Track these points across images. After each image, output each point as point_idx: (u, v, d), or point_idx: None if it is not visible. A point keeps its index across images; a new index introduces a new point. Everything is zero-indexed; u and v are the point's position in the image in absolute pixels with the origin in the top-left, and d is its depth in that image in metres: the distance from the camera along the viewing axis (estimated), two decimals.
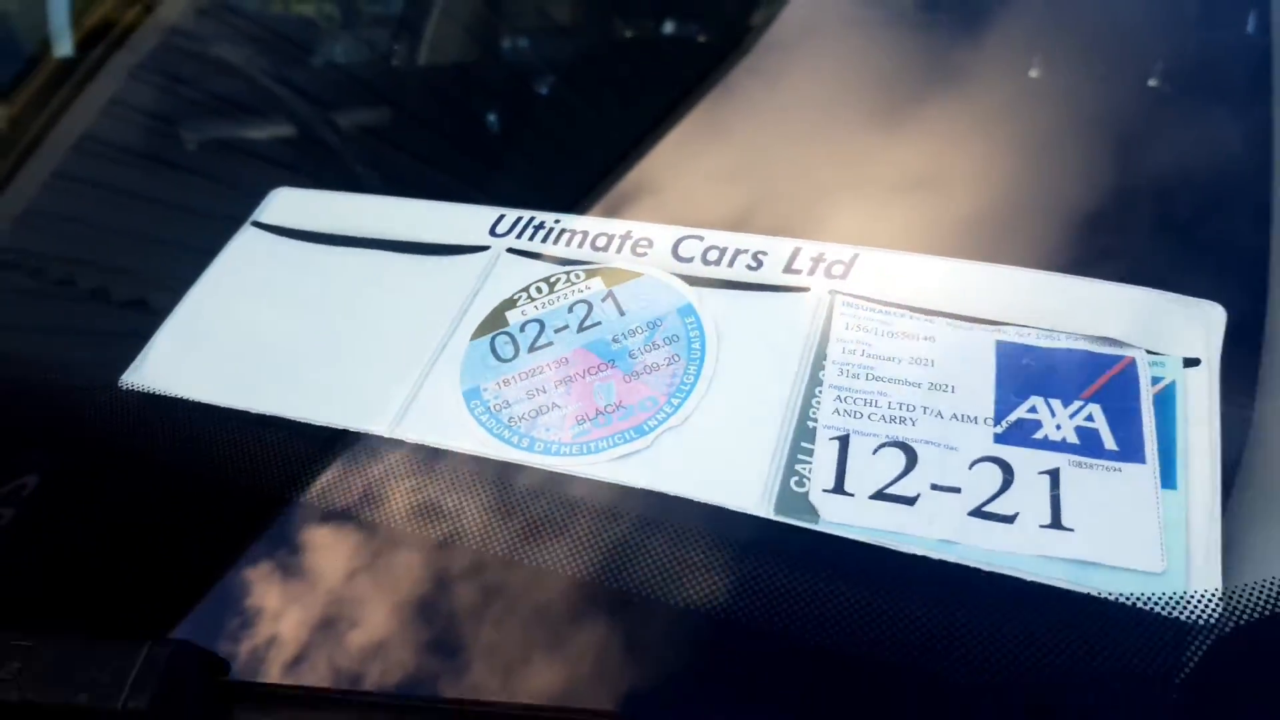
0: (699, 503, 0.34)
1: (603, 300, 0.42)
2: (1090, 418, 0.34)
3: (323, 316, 0.44)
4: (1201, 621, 0.30)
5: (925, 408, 0.35)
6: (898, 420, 0.35)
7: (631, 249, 0.44)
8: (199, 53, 0.80)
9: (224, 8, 0.86)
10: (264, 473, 0.38)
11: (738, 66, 0.61)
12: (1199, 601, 0.30)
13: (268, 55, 0.83)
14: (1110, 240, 0.42)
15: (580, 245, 0.44)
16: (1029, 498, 0.32)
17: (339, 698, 0.30)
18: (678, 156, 0.53)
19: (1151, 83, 0.54)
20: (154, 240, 0.56)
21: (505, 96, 0.88)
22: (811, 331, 0.39)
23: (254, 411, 0.40)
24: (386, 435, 0.38)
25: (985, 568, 0.31)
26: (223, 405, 0.40)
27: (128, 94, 0.72)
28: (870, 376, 0.36)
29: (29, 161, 0.65)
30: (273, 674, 0.32)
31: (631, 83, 0.72)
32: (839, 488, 0.34)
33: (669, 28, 0.90)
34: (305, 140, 0.68)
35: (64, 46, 0.80)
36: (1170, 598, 0.30)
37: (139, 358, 0.43)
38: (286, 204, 0.50)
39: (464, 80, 1.00)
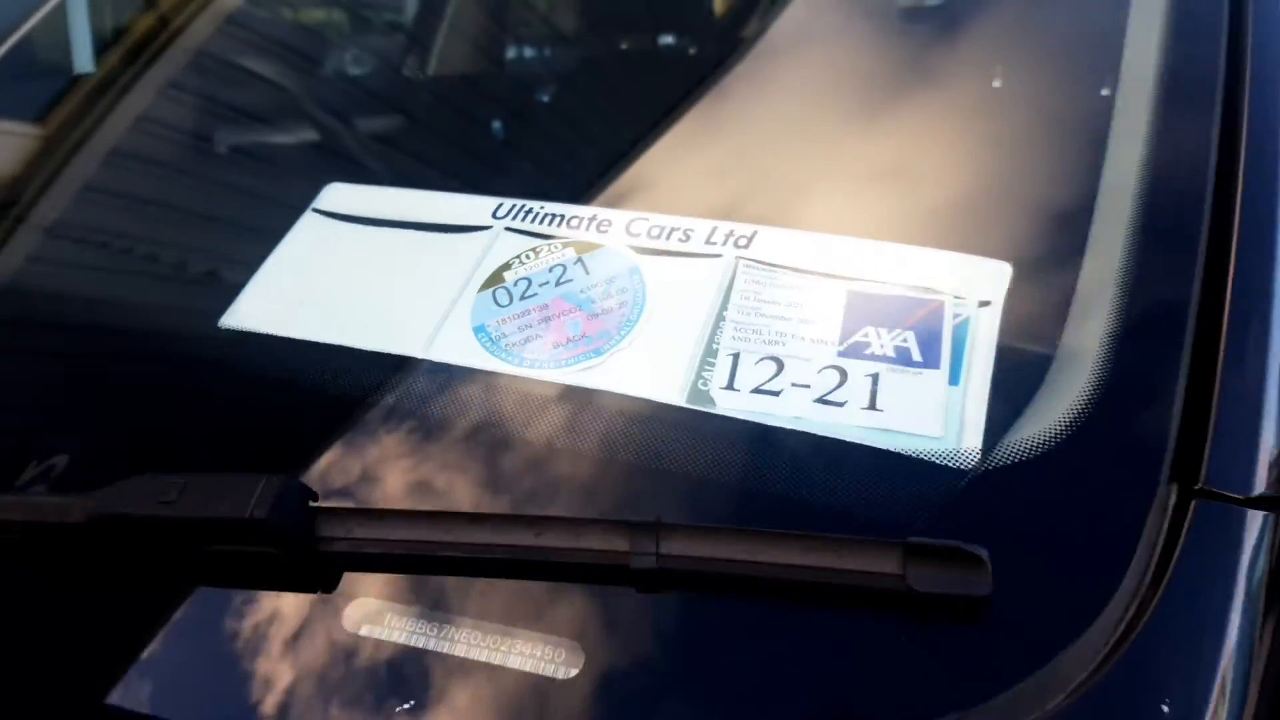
0: (636, 397, 0.49)
1: (574, 264, 0.57)
2: (905, 340, 0.49)
3: (370, 277, 0.59)
4: (965, 468, 0.44)
5: (792, 335, 0.50)
6: (773, 343, 0.50)
7: (596, 227, 0.59)
8: (247, 72, 0.96)
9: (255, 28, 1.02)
10: (335, 381, 0.54)
11: (691, 85, 0.77)
12: (963, 456, 0.45)
13: (310, 72, 0.99)
14: (933, 219, 0.57)
15: (559, 225, 0.60)
16: (856, 391, 0.47)
17: (393, 514, 0.45)
18: (635, 158, 0.68)
19: (995, 84, 0.69)
20: (236, 222, 0.71)
21: (504, 105, 1.04)
22: (721, 285, 0.54)
23: (323, 341, 0.55)
24: (421, 356, 0.53)
25: (822, 433, 0.46)
26: (298, 338, 0.56)
27: (180, 108, 0.88)
28: (758, 314, 0.52)
29: (116, 166, 0.81)
30: (346, 500, 0.48)
31: (603, 96, 0.88)
32: (730, 386, 0.49)
33: (629, 48, 1.06)
34: (348, 143, 0.84)
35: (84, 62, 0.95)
36: (946, 453, 0.45)
37: (232, 306, 0.59)
38: (338, 195, 0.65)
39: (469, 90, 1.15)
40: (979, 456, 0.45)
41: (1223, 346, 0.48)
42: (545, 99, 1.04)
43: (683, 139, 0.70)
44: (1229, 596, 0.40)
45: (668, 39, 1.11)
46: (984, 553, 0.39)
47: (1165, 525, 0.42)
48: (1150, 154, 0.56)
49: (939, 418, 0.46)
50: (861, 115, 0.68)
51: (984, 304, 0.51)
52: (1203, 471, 0.44)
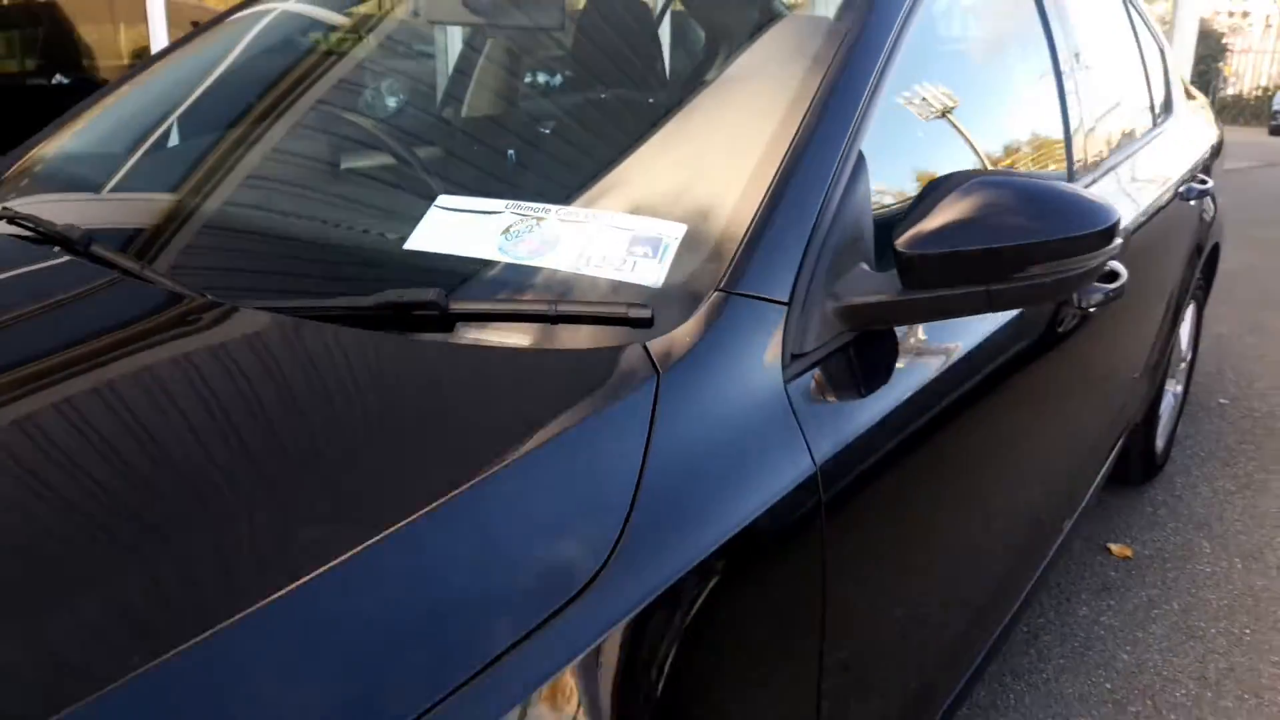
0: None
1: (532, 227, 1.23)
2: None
3: (458, 231, 1.26)
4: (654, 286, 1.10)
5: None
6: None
7: (552, 213, 1.25)
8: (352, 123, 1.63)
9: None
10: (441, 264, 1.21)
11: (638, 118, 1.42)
12: (666, 294, 1.10)
13: (390, 120, 1.67)
14: (637, 195, 1.22)
15: (530, 210, 1.26)
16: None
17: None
18: (595, 170, 1.34)
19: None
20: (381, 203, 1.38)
21: (511, 136, 1.70)
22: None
23: (444, 252, 1.22)
24: (487, 257, 1.20)
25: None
26: (429, 250, 1.22)
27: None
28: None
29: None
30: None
31: (575, 130, 1.54)
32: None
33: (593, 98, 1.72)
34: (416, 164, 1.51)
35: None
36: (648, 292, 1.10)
37: (410, 237, 1.25)
38: (445, 200, 1.32)
39: (491, 126, 1.82)
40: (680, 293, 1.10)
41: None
42: (537, 132, 1.71)
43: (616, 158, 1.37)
44: (751, 359, 1.04)
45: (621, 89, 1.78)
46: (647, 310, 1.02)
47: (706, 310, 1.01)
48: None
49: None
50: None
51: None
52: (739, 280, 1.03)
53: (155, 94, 1.69)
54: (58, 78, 6.74)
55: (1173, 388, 2.89)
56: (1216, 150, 2.93)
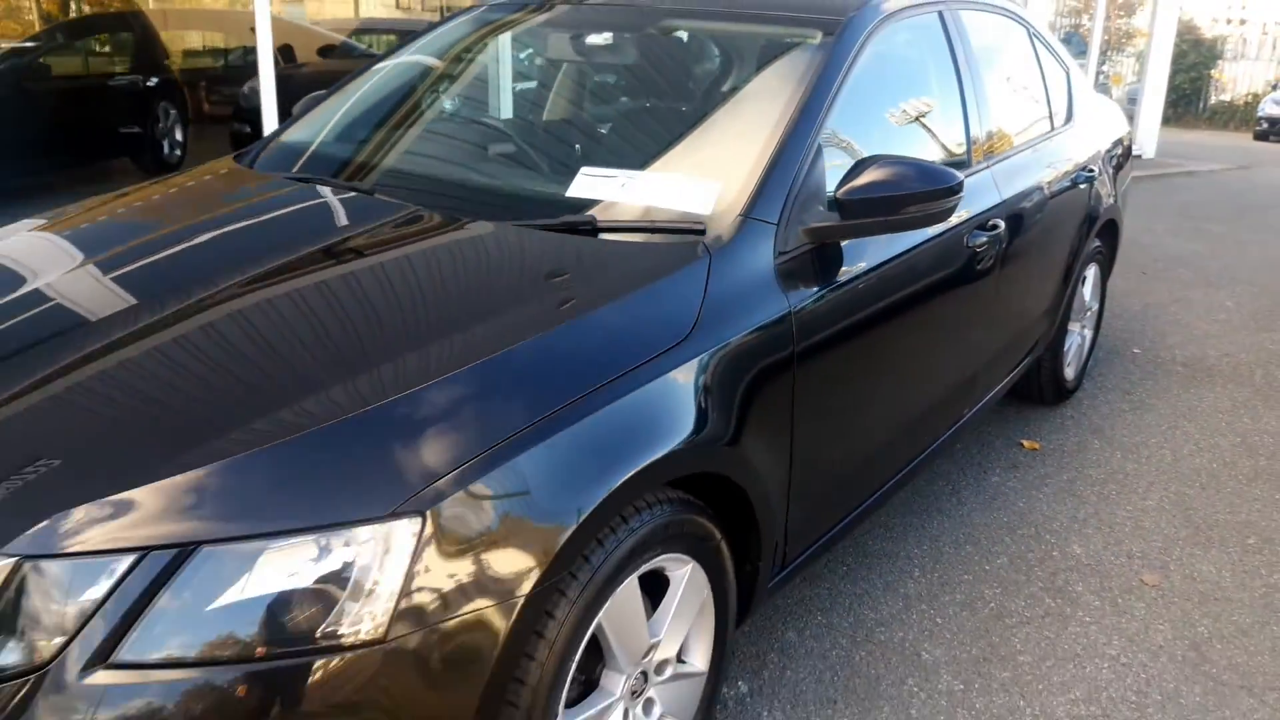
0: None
1: (641, 181, 2.12)
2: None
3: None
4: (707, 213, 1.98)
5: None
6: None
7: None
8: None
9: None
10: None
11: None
12: (712, 217, 1.98)
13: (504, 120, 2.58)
14: (691, 164, 2.10)
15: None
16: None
17: None
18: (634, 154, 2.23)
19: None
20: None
21: (578, 134, 2.61)
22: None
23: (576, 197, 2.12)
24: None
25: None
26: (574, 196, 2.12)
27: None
28: None
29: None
30: None
31: (661, 124, 2.43)
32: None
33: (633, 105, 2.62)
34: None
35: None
36: (702, 216, 1.99)
37: (570, 187, 2.15)
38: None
39: (563, 129, 2.72)
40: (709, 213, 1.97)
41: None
42: (595, 133, 2.60)
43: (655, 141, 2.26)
44: (756, 252, 1.93)
45: (651, 100, 2.67)
46: (702, 225, 1.92)
47: (733, 224, 1.93)
48: None
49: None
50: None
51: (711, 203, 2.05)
52: (750, 210, 1.94)
53: (378, 87, 2.62)
54: (151, 79, 7.69)
55: (1079, 330, 3.76)
56: (1118, 144, 3.81)
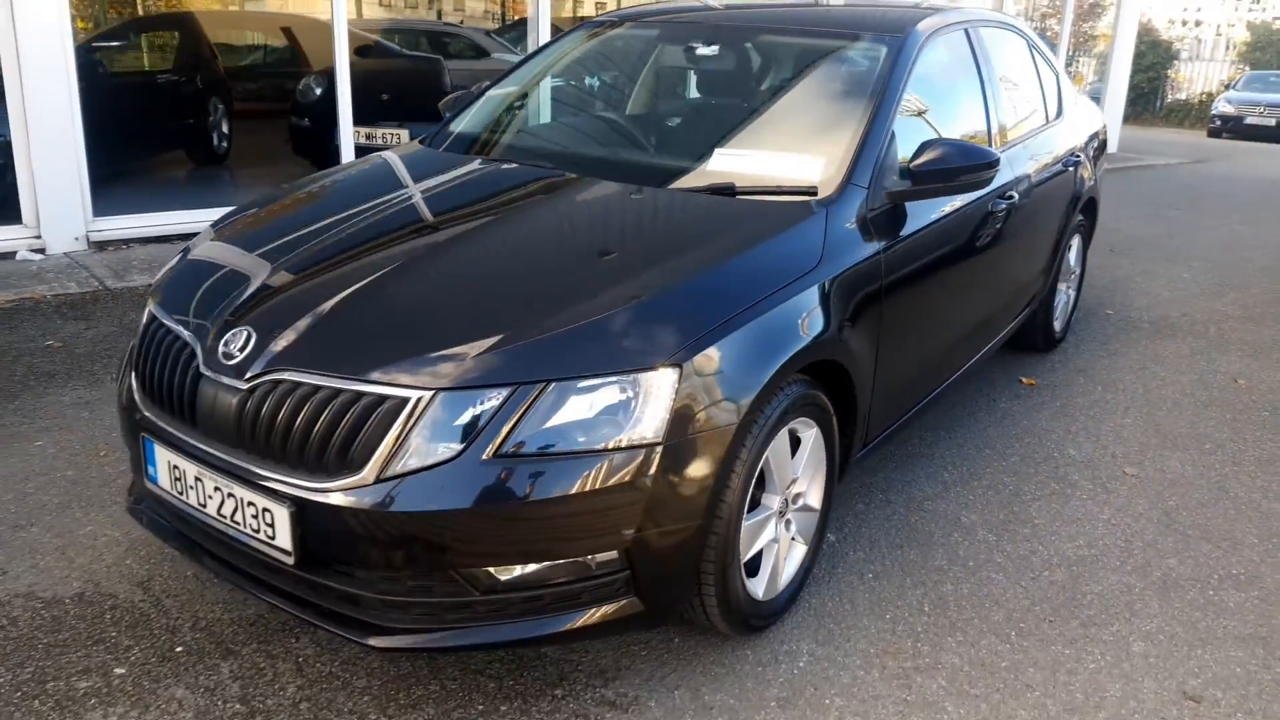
0: None
1: (768, 157, 2.83)
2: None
3: None
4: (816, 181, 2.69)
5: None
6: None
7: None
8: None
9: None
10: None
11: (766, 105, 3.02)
12: (823, 182, 2.69)
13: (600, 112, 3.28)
14: (802, 146, 2.81)
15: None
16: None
17: None
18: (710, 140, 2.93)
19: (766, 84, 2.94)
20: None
21: (654, 124, 3.31)
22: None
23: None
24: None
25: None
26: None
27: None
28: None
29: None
30: None
31: (693, 120, 3.15)
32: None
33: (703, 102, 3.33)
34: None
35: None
36: (815, 181, 2.69)
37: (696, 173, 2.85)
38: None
39: (645, 119, 3.43)
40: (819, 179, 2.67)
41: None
42: (669, 123, 3.30)
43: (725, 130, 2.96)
44: (854, 208, 2.65)
45: (759, 97, 3.37)
46: (816, 188, 2.62)
47: (837, 187, 2.64)
48: None
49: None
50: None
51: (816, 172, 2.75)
52: (848, 179, 2.66)
53: (531, 86, 3.31)
54: (201, 76, 8.25)
55: (1066, 290, 4.53)
56: (1095, 137, 4.58)
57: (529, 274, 2.21)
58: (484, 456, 1.85)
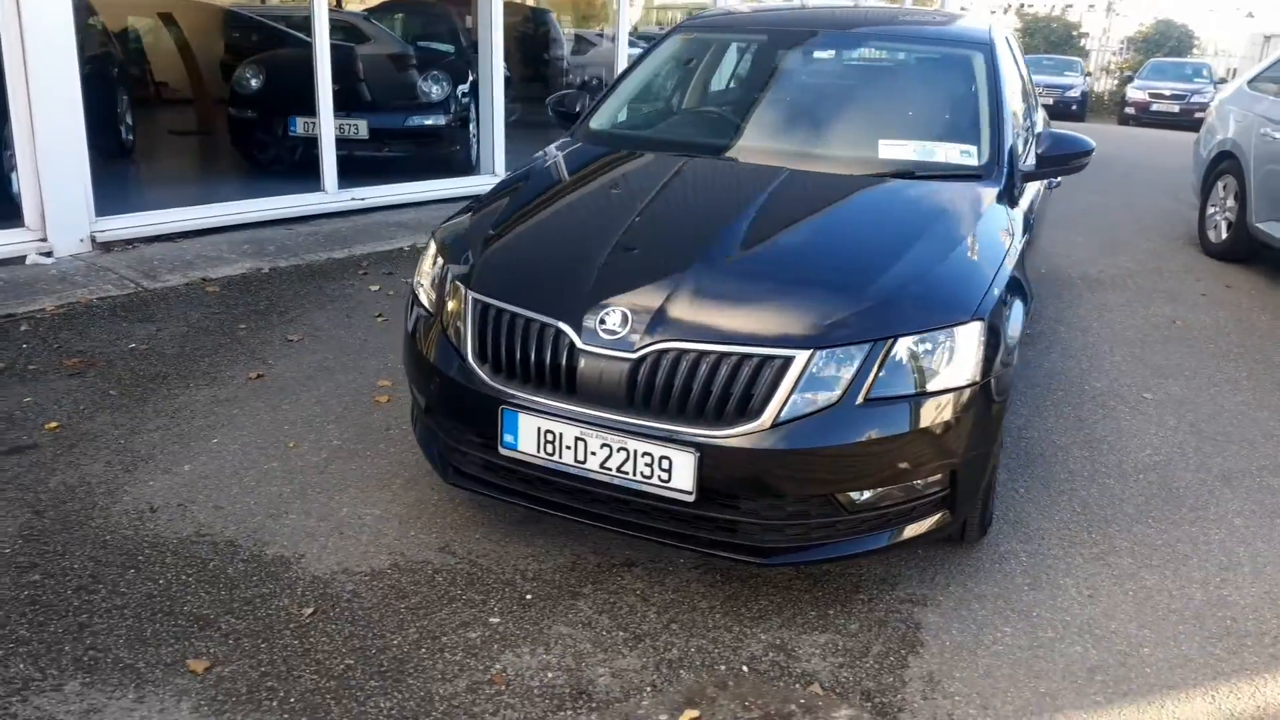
0: None
1: (928, 148, 3.33)
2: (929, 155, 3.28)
3: None
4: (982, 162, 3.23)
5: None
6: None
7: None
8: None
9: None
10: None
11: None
12: (984, 166, 3.23)
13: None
14: (935, 130, 3.35)
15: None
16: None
17: None
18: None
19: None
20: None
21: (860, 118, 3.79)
22: None
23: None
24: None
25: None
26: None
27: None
28: None
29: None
30: None
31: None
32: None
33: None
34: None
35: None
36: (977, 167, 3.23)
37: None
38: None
39: (801, 115, 3.90)
40: (980, 164, 3.22)
41: None
42: (822, 118, 3.78)
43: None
44: (1000, 186, 3.21)
45: (893, 95, 3.87)
46: (979, 171, 3.17)
47: (995, 172, 3.21)
48: None
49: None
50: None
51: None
52: (993, 163, 3.25)
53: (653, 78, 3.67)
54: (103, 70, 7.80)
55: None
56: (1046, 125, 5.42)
57: (833, 248, 2.64)
58: (857, 402, 2.27)
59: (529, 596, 2.52)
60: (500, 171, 7.33)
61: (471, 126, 7.56)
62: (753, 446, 2.24)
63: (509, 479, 2.52)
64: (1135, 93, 20.35)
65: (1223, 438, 3.77)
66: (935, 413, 2.34)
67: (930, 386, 2.34)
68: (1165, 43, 28.84)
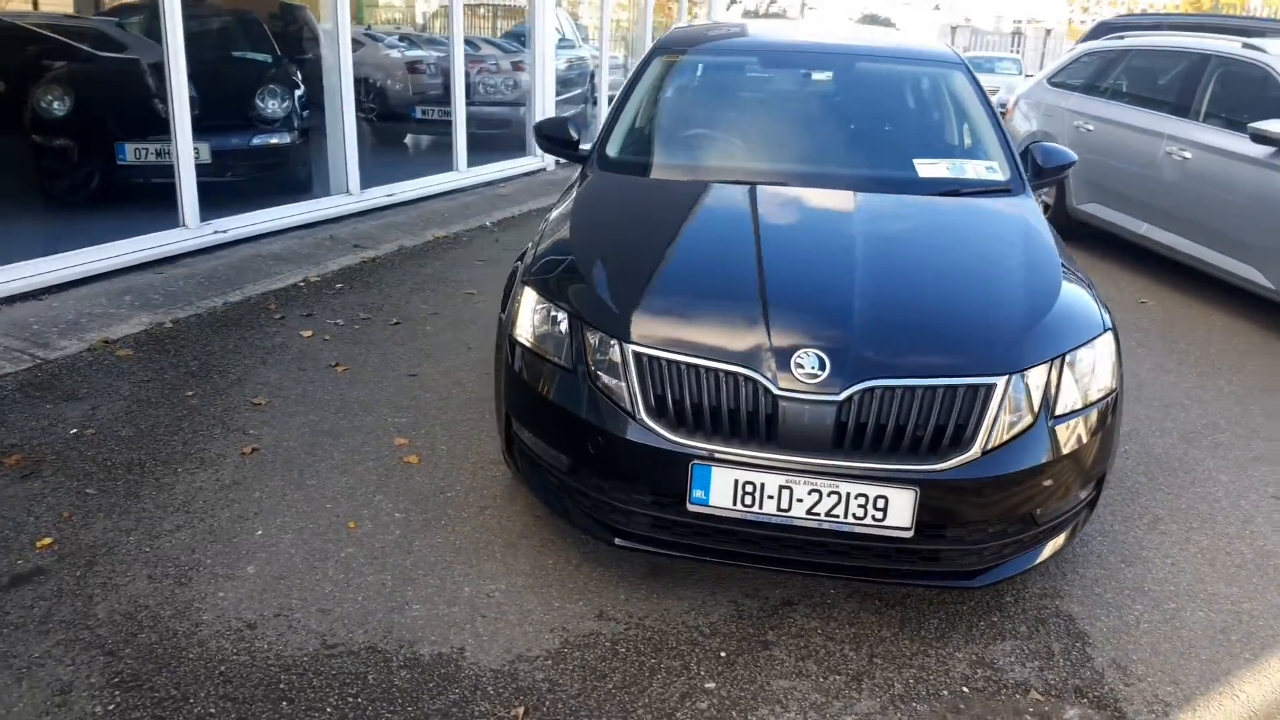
0: None
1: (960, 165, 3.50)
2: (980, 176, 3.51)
3: None
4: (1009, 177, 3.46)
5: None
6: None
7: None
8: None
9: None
10: None
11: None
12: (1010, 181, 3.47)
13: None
14: (946, 148, 3.57)
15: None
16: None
17: None
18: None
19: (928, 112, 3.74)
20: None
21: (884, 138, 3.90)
22: None
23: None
24: None
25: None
26: None
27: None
28: None
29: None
30: None
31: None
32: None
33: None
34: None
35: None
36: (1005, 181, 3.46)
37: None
38: None
39: (826, 138, 3.96)
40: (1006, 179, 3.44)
41: None
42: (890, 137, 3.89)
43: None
44: (1025, 192, 3.48)
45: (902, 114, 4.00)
46: (1008, 185, 3.40)
47: (1016, 185, 3.46)
48: None
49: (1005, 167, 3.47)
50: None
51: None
52: (1013, 175, 3.50)
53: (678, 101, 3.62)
54: None
55: None
56: None
57: (964, 270, 2.77)
58: (1049, 420, 2.41)
59: (723, 654, 2.45)
60: (355, 190, 6.85)
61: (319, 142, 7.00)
62: (969, 476, 2.31)
63: (682, 534, 2.44)
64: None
65: (1157, 402, 4.29)
66: (1099, 422, 2.52)
67: (1092, 396, 2.52)
68: None
